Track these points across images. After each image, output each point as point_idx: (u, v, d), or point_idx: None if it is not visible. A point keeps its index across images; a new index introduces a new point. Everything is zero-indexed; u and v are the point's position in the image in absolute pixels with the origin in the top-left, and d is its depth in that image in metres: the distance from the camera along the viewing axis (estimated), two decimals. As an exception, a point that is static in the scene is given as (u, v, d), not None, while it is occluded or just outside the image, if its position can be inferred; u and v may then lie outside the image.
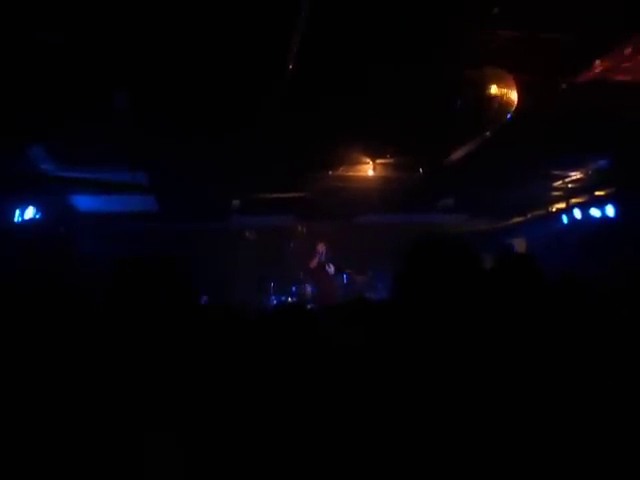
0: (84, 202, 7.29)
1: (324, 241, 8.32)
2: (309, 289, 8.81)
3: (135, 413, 1.15)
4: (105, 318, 1.38)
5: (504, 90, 3.88)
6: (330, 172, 6.77)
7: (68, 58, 3.76)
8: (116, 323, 1.35)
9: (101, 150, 5.54)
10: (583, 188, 7.90)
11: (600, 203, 7.82)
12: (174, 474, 1.13)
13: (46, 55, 3.70)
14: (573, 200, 8.35)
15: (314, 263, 8.17)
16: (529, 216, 9.30)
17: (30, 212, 6.30)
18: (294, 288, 9.06)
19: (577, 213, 8.25)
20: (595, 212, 7.91)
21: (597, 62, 4.03)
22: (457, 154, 6.05)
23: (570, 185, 7.85)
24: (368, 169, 6.62)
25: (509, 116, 4.15)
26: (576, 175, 7.48)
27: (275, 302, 8.60)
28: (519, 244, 9.06)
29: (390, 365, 1.47)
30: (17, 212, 6.20)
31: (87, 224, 7.48)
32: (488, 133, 5.10)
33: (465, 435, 1.26)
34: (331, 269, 8.29)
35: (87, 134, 5.02)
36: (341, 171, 6.75)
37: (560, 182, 7.77)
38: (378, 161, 6.49)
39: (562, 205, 8.63)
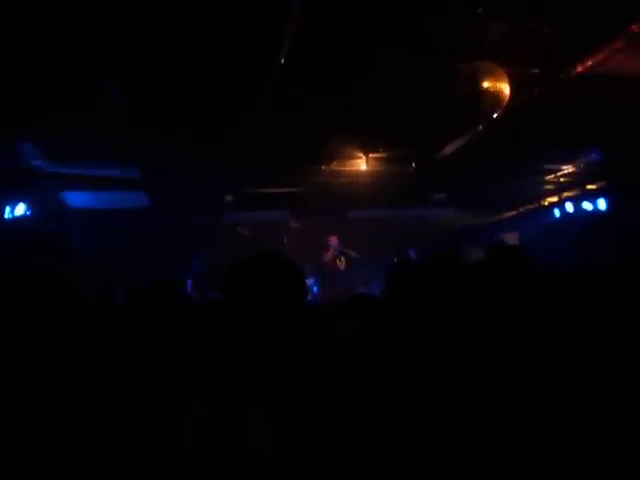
0: (75, 198, 7.23)
1: (335, 234, 7.89)
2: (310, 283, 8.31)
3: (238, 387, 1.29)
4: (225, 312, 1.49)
5: (497, 84, 3.87)
6: (323, 167, 6.76)
7: (57, 47, 3.70)
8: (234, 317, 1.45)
9: (92, 146, 5.51)
10: (575, 182, 7.92)
11: (592, 196, 7.85)
12: (270, 444, 1.22)
13: (34, 44, 3.63)
14: (565, 194, 8.37)
15: (328, 257, 7.71)
16: (521, 210, 9.32)
17: (21, 209, 6.25)
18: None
19: (569, 207, 8.27)
20: (587, 205, 7.93)
21: (589, 56, 4.03)
22: (449, 148, 6.05)
23: (562, 179, 7.87)
24: (361, 163, 6.61)
25: (502, 110, 4.14)
26: (568, 169, 7.51)
27: None
28: (511, 238, 9.07)
29: (382, 359, 1.47)
30: (7, 209, 6.15)
31: (78, 220, 7.43)
32: (481, 127, 5.10)
33: (458, 427, 1.26)
34: (343, 264, 7.83)
35: (78, 129, 4.98)
36: (334, 166, 6.74)
37: (552, 176, 7.79)
38: (371, 155, 6.48)
39: (554, 199, 8.65)
